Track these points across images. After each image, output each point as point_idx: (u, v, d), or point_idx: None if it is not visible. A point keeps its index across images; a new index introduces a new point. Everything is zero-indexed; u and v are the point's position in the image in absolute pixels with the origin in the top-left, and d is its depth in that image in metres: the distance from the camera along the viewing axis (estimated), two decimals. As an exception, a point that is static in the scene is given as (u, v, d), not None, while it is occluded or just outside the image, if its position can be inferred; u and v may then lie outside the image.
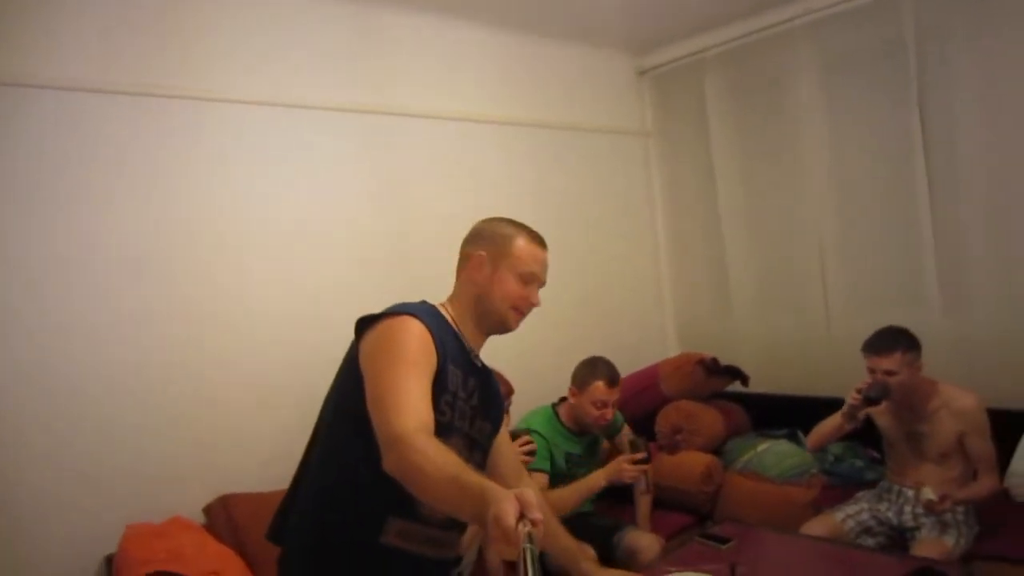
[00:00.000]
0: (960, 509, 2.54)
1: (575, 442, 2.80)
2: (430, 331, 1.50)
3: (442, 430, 1.45)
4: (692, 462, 3.20)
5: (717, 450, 3.43)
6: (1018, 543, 2.52)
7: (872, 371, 2.56)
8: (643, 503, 2.88)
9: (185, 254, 2.53)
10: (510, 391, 2.62)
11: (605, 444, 2.99)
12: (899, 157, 3.30)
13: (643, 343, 4.03)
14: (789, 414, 3.58)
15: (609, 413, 2.70)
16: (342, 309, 2.80)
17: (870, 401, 2.49)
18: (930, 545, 2.42)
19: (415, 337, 1.47)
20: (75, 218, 2.31)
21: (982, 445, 2.51)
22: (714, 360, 3.56)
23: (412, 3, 3.11)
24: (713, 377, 3.55)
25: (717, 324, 4.06)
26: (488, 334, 1.70)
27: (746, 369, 3.68)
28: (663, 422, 3.44)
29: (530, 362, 3.02)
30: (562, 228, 3.66)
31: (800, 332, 3.73)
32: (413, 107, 3.14)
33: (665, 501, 3.06)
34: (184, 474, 2.47)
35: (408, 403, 1.34)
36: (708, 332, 4.07)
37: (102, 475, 2.32)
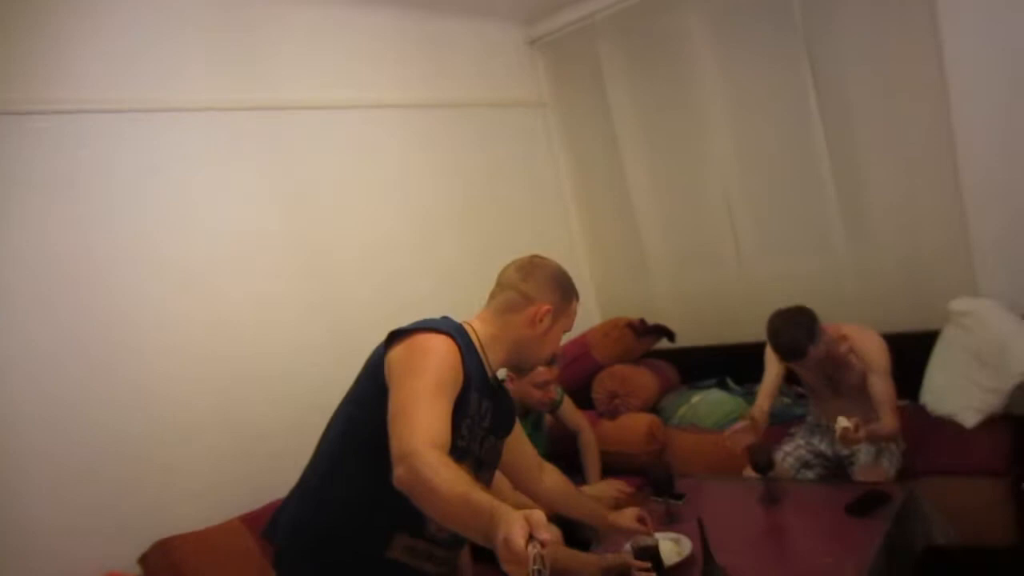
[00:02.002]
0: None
1: (522, 424, 2.78)
2: (461, 354, 1.48)
3: (459, 454, 1.45)
4: (634, 424, 3.25)
5: (653, 408, 3.49)
6: (944, 456, 2.70)
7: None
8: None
9: (81, 282, 2.32)
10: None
11: (549, 419, 2.99)
12: (794, 106, 3.40)
13: (564, 313, 4.04)
14: (715, 364, 3.70)
15: (552, 391, 2.69)
16: (261, 321, 2.73)
17: (759, 470, 2.44)
18: (869, 470, 2.55)
19: (447, 357, 1.45)
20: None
21: (882, 385, 2.60)
22: (641, 321, 3.61)
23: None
24: (642, 338, 3.61)
25: (635, 285, 4.12)
26: (510, 367, 1.72)
27: (669, 325, 3.76)
28: (599, 389, 3.48)
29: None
30: (471, 207, 3.62)
31: (716, 283, 3.84)
32: (308, 99, 2.99)
33: (613, 466, 3.10)
34: (110, 524, 2.25)
35: (427, 420, 1.32)
36: (627, 294, 4.13)
37: (10, 538, 2.06)
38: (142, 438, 2.37)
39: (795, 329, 2.55)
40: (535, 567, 1.02)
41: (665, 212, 3.97)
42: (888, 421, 2.57)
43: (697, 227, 3.87)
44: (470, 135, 3.71)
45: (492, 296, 1.69)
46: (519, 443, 1.86)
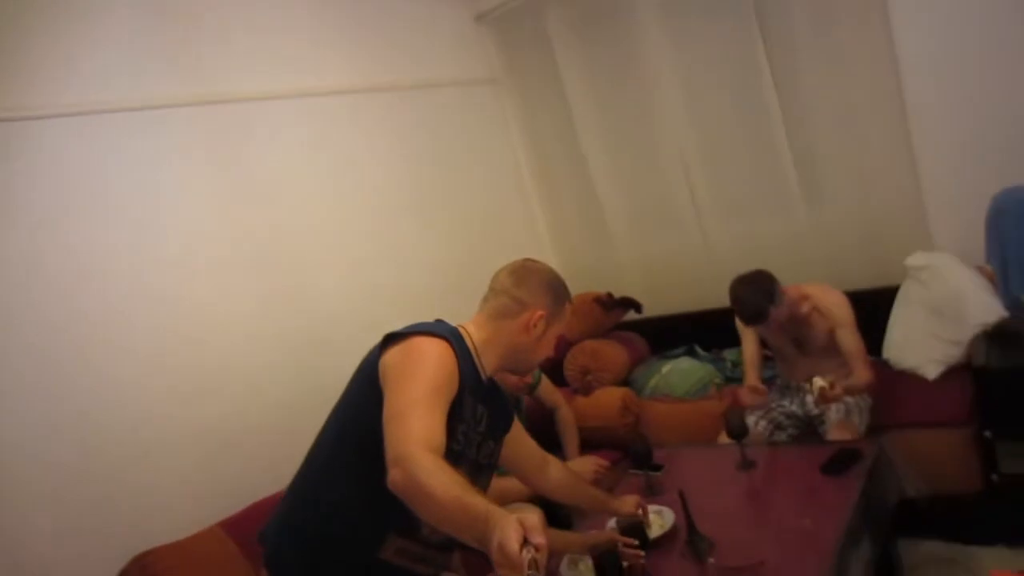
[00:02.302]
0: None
1: None
2: (457, 359, 1.48)
3: (454, 458, 1.46)
4: (608, 399, 3.27)
5: (625, 381, 3.52)
6: (909, 409, 2.77)
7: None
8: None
9: (34, 294, 2.23)
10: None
11: (528, 400, 2.99)
12: (745, 68, 3.40)
13: (529, 290, 4.03)
14: (683, 332, 3.73)
15: (528, 376, 2.69)
16: (219, 323, 2.66)
17: (735, 436, 2.46)
18: (840, 428, 2.61)
19: (443, 362, 1.45)
20: None
21: (850, 338, 2.65)
22: (608, 295, 3.62)
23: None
24: (610, 312, 3.62)
25: (599, 257, 4.12)
26: (507, 371, 1.72)
27: (635, 296, 3.78)
28: (571, 366, 3.49)
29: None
30: (430, 189, 3.58)
31: (679, 250, 3.86)
32: (253, 91, 2.90)
33: (590, 441, 3.12)
34: (86, 543, 2.20)
35: (422, 424, 1.32)
36: (591, 266, 4.13)
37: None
38: (110, 456, 2.32)
39: (755, 293, 2.59)
40: (529, 572, 1.02)
41: (624, 182, 3.96)
42: (861, 373, 2.63)
43: (656, 195, 3.87)
44: (423, 117, 3.64)
45: (485, 300, 1.69)
46: (521, 439, 1.88)
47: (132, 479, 2.33)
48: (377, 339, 1.57)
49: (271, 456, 2.59)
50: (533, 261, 1.73)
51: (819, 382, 2.45)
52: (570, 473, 2.04)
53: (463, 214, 3.73)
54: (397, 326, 1.57)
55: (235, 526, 2.30)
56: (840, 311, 2.68)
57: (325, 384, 2.75)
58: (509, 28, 4.08)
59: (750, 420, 2.79)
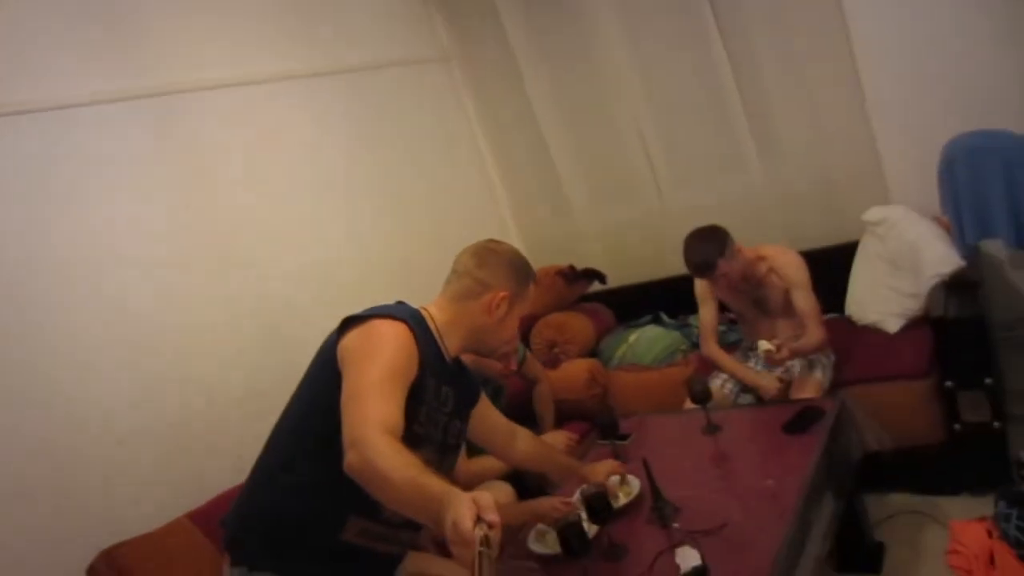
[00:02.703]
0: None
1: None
2: (416, 341, 1.47)
3: (417, 441, 1.47)
4: (575, 371, 3.26)
5: (592, 352, 3.52)
6: (872, 363, 2.79)
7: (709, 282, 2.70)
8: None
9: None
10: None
11: (510, 386, 2.97)
12: (696, 34, 3.39)
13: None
14: (648, 300, 3.73)
15: (513, 361, 2.68)
16: (178, 316, 2.61)
17: (698, 401, 2.43)
18: (804, 385, 2.62)
19: (401, 344, 1.44)
20: None
21: (804, 298, 2.66)
22: (571, 267, 3.61)
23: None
24: (573, 284, 3.61)
25: (560, 229, 4.10)
26: (471, 352, 1.71)
27: (598, 267, 3.77)
28: (537, 339, 3.48)
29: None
30: (388, 170, 3.53)
31: (640, 218, 3.85)
32: (202, 80, 2.81)
33: (559, 414, 3.12)
34: (50, 539, 2.17)
35: (378, 407, 1.31)
36: (553, 239, 4.11)
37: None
38: (71, 450, 2.27)
39: (705, 244, 2.59)
40: (481, 548, 1.03)
41: (582, 153, 3.94)
42: (814, 332, 2.63)
43: (614, 164, 3.85)
44: (376, 98, 3.58)
45: (448, 282, 1.67)
46: (488, 413, 1.89)
47: (97, 473, 2.30)
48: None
49: (236, 447, 2.56)
50: (496, 242, 1.71)
51: (765, 345, 2.46)
52: (539, 443, 2.05)
53: (422, 193, 3.68)
54: (358, 311, 1.55)
55: (203, 517, 2.27)
56: (795, 272, 2.67)
57: (287, 373, 2.73)
58: (457, 5, 4.01)
59: (716, 382, 2.80)
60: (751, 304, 2.83)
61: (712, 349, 2.82)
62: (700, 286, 2.85)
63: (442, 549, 2.45)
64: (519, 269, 1.67)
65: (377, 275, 3.28)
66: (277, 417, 1.65)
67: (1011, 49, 2.84)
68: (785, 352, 2.45)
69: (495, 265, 1.64)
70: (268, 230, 2.96)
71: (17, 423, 2.17)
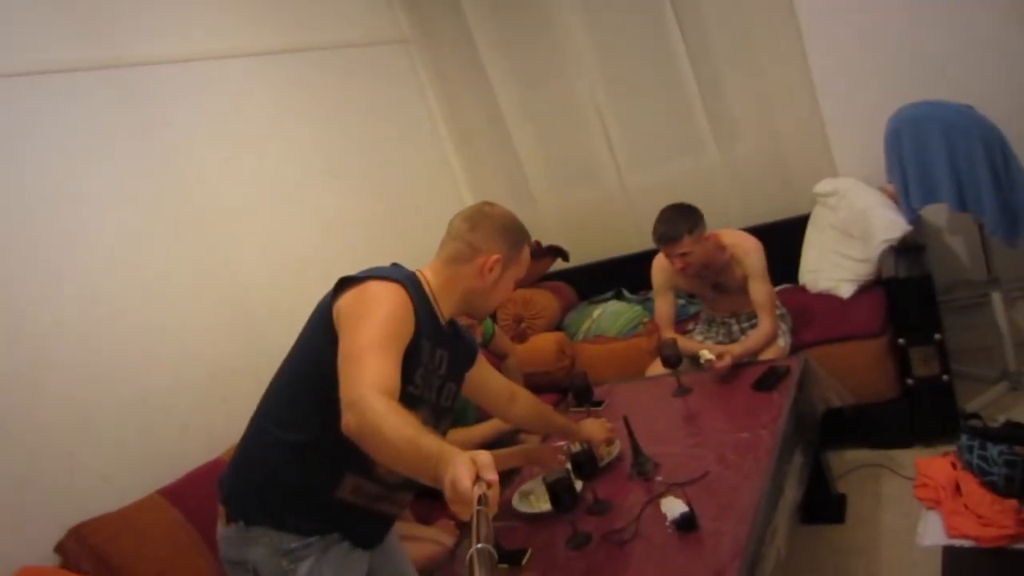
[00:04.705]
0: (779, 313, 2.86)
1: None
2: (412, 302, 1.47)
3: (412, 402, 1.46)
4: (543, 344, 3.31)
5: (558, 327, 3.57)
6: (828, 327, 2.91)
7: (669, 256, 2.71)
8: None
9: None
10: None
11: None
12: (653, 20, 3.48)
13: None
14: (609, 277, 3.81)
15: (476, 332, 2.70)
16: (144, 292, 2.55)
17: (670, 365, 2.50)
18: (767, 351, 2.72)
19: (397, 305, 1.44)
20: None
21: (759, 288, 2.74)
22: (537, 243, 3.65)
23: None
24: (538, 261, 3.65)
25: (522, 212, 3.96)
26: (465, 315, 1.72)
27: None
28: (504, 315, 3.51)
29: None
30: (349, 151, 3.51)
31: (599, 198, 3.92)
32: (162, 54, 2.75)
33: (529, 386, 3.10)
34: (16, 516, 2.08)
35: (375, 367, 1.31)
36: (514, 222, 4.13)
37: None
38: (36, 425, 2.19)
39: (678, 216, 2.65)
40: (479, 507, 1.04)
41: (542, 135, 3.98)
42: (765, 325, 2.73)
43: (574, 146, 3.91)
44: (336, 79, 3.56)
45: (442, 245, 1.67)
46: (488, 374, 1.91)
47: (64, 451, 2.23)
48: (304, 305, 1.57)
49: (206, 424, 2.53)
50: (490, 205, 1.70)
51: (706, 355, 2.51)
52: (537, 403, 2.07)
53: (382, 174, 3.67)
54: (323, 290, 1.55)
55: (175, 493, 2.23)
56: (753, 260, 2.74)
57: (256, 350, 2.75)
58: (415, -14, 4.02)
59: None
60: (710, 287, 2.90)
61: (669, 337, 2.85)
62: (659, 276, 2.90)
63: (419, 516, 2.48)
64: (512, 232, 1.67)
65: (339, 253, 3.26)
66: (246, 395, 1.66)
67: (947, 24, 3.01)
68: (727, 360, 2.51)
69: (487, 228, 1.63)
70: (231, 203, 2.91)
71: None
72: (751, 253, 2.74)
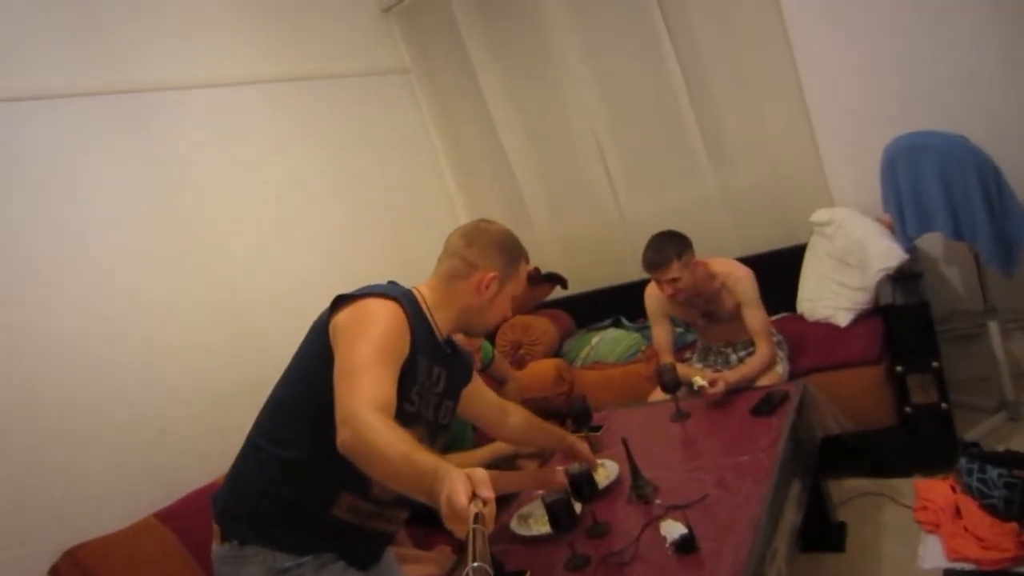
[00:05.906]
0: (776, 340, 2.87)
1: None
2: (408, 320, 1.47)
3: (408, 420, 1.46)
4: (542, 370, 3.31)
5: (556, 354, 3.57)
6: (826, 355, 2.91)
7: (659, 282, 2.72)
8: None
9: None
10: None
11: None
12: (650, 50, 3.54)
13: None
14: (607, 305, 3.82)
15: (477, 359, 2.70)
16: (143, 315, 2.57)
17: (669, 390, 2.52)
18: (765, 377, 2.72)
19: (393, 323, 1.44)
20: None
21: (753, 314, 2.75)
22: (536, 270, 3.67)
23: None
24: (537, 287, 3.67)
25: (520, 238, 4.11)
26: (462, 332, 1.71)
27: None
28: (503, 340, 3.52)
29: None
30: (351, 177, 3.57)
31: (598, 226, 3.95)
32: (167, 80, 2.81)
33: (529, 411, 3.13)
34: (11, 538, 2.08)
35: (370, 384, 1.31)
36: (513, 249, 4.15)
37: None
38: (33, 446, 2.20)
39: (665, 242, 2.66)
40: (475, 525, 1.03)
41: (540, 163, 4.03)
42: (763, 350, 2.73)
43: (573, 174, 3.95)
44: (339, 106, 3.62)
45: (439, 262, 1.67)
46: (480, 391, 1.91)
47: (60, 472, 2.22)
48: (305, 328, 1.57)
49: (203, 447, 2.52)
50: (487, 222, 1.71)
51: (699, 381, 2.52)
52: (529, 417, 2.07)
53: (383, 200, 3.72)
54: (314, 307, 1.56)
55: (171, 516, 2.22)
56: (745, 288, 2.74)
57: (256, 374, 2.73)
58: (416, 18, 4.10)
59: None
60: (701, 316, 2.91)
61: (669, 364, 2.85)
62: (652, 304, 2.91)
63: (417, 541, 2.45)
64: (508, 249, 1.67)
65: (340, 277, 3.27)
66: (243, 420, 1.64)
67: (940, 56, 3.06)
68: (721, 386, 2.51)
69: (484, 245, 1.64)
70: (234, 229, 2.95)
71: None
72: (742, 281, 2.75)
